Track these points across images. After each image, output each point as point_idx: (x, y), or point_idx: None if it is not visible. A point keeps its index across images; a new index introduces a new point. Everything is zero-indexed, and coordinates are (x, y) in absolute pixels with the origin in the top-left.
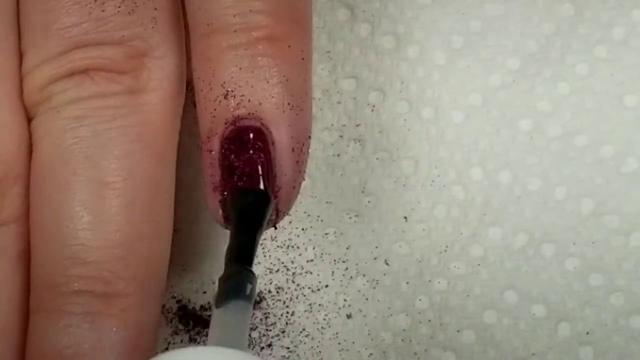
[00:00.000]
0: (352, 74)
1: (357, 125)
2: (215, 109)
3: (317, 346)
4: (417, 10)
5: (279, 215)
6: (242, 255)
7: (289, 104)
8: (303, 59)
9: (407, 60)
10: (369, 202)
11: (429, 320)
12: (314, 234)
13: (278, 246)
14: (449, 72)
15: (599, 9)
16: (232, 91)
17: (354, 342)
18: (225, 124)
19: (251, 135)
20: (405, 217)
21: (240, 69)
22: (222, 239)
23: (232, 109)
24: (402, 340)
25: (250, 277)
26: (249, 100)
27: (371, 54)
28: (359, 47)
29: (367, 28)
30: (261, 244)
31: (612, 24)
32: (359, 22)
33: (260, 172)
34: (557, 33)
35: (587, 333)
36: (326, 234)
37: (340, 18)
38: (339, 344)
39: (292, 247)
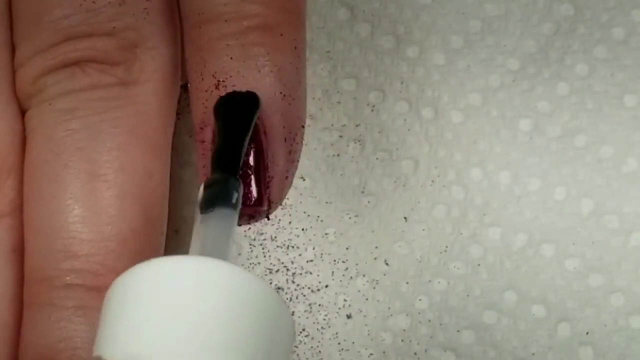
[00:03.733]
0: (352, 74)
1: (357, 125)
2: (207, 100)
3: (317, 346)
4: (417, 10)
5: (271, 205)
6: (228, 162)
7: (281, 93)
8: (296, 47)
9: (407, 60)
10: (369, 202)
11: (429, 321)
12: (314, 234)
13: (278, 246)
14: (448, 72)
15: (599, 9)
16: (223, 81)
17: (354, 342)
18: None
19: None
20: (405, 217)
21: (231, 58)
22: None
23: None
24: (402, 340)
25: (237, 185)
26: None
27: (371, 54)
28: (359, 47)
29: (367, 28)
30: (261, 244)
31: (612, 24)
32: (359, 22)
33: (250, 163)
34: (557, 33)
35: (587, 333)
36: (326, 234)
37: (340, 18)
38: (339, 344)
39: (292, 247)
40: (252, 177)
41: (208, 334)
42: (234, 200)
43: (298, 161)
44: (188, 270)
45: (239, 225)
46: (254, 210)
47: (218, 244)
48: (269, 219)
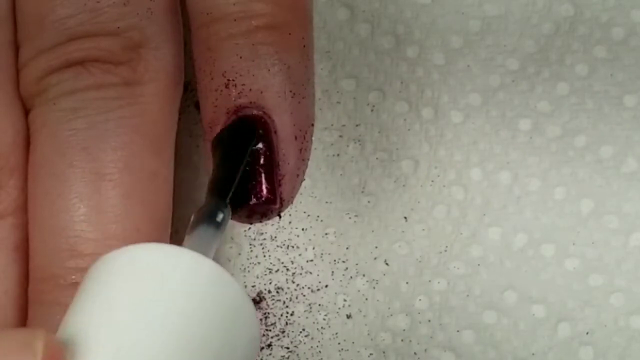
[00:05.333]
0: (352, 73)
1: (357, 125)
2: (216, 99)
3: (317, 346)
4: (417, 10)
5: (282, 204)
6: (219, 188)
7: (290, 91)
8: (304, 46)
9: (407, 60)
10: (368, 202)
11: (429, 321)
12: (314, 234)
13: (278, 246)
14: (448, 72)
15: (598, 9)
16: (233, 80)
17: (353, 342)
18: (227, 113)
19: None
20: (405, 217)
21: (240, 58)
22: (221, 240)
23: (233, 99)
24: (402, 340)
25: (223, 206)
26: (250, 89)
27: (371, 54)
28: (359, 47)
29: (367, 28)
30: (261, 244)
31: (611, 24)
32: (359, 22)
33: (262, 161)
34: (557, 33)
35: (587, 333)
36: (326, 234)
37: (340, 18)
38: (339, 344)
39: (292, 247)
40: (264, 175)
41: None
42: (218, 219)
43: (308, 159)
44: (154, 257)
45: (251, 223)
46: (266, 208)
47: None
48: (280, 217)
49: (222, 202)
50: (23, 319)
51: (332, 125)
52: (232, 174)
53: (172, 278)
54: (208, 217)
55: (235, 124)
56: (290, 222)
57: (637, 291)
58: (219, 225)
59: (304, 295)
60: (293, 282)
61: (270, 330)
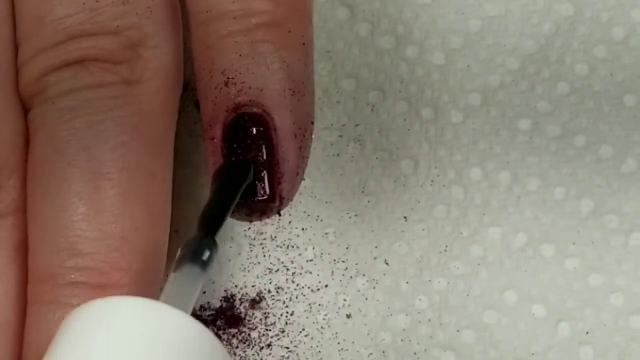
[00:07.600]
0: (352, 73)
1: (357, 125)
2: (216, 97)
3: (317, 346)
4: (417, 10)
5: (282, 202)
6: (209, 224)
7: (290, 89)
8: (304, 43)
9: (407, 60)
10: (368, 202)
11: (429, 320)
12: (314, 234)
13: (278, 246)
14: (448, 72)
15: (598, 8)
16: (232, 78)
17: (353, 342)
18: (227, 111)
19: (254, 128)
20: (404, 217)
21: (240, 55)
22: (221, 240)
23: (233, 97)
24: (402, 340)
25: (211, 244)
26: (250, 87)
27: (371, 53)
28: (359, 47)
29: (366, 28)
30: (261, 244)
31: (611, 24)
32: (359, 21)
33: (262, 159)
34: (557, 33)
35: (587, 333)
36: (326, 234)
37: (340, 18)
38: (339, 343)
39: (292, 247)
40: (265, 173)
41: None
42: (204, 258)
43: (308, 157)
44: (132, 313)
45: (251, 221)
46: (266, 206)
47: (180, 298)
48: (280, 215)
49: (209, 239)
50: (22, 319)
51: (332, 125)
52: (223, 211)
53: (151, 335)
54: (193, 255)
55: (232, 163)
56: (290, 222)
57: (637, 291)
58: (204, 265)
59: (304, 295)
60: (293, 282)
61: (270, 330)
